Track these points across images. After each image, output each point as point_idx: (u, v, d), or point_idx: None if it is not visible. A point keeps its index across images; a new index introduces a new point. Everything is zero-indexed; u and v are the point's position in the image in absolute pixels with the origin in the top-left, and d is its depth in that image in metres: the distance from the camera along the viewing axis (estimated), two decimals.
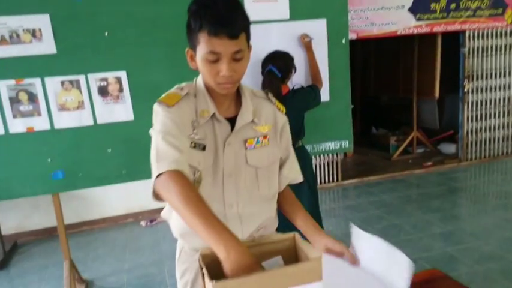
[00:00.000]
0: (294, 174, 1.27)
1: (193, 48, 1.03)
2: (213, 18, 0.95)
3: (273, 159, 1.19)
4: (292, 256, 0.91)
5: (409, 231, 3.33)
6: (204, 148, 1.08)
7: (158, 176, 0.92)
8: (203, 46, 0.98)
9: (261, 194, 1.17)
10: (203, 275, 0.80)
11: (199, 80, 1.12)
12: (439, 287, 1.24)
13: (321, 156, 4.56)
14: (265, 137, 1.15)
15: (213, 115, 1.09)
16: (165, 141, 0.97)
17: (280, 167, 1.23)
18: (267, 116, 1.18)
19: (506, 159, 5.14)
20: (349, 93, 2.65)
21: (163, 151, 0.96)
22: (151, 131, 1.04)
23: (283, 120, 1.22)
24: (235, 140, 1.11)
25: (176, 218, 1.18)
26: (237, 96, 1.16)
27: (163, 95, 1.09)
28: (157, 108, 1.06)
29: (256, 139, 1.14)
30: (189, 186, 0.90)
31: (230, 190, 1.13)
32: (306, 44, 2.48)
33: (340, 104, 2.64)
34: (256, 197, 1.16)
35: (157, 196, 0.95)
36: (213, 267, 0.78)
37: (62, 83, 2.18)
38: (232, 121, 1.12)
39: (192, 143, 1.06)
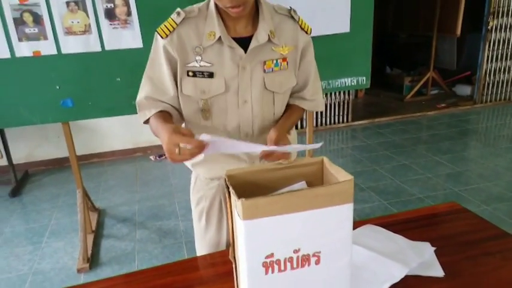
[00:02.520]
0: (316, 103, 1.21)
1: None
2: None
3: (290, 85, 1.13)
4: (319, 180, 0.88)
5: (418, 171, 3.33)
6: (211, 75, 1.03)
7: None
8: None
9: (276, 119, 1.13)
10: (229, 194, 0.76)
11: (212, 2, 1.04)
12: (458, 219, 1.22)
13: (332, 95, 4.45)
14: (284, 59, 1.08)
15: (220, 38, 1.01)
16: (144, 89, 1.07)
17: (300, 90, 1.17)
18: (287, 36, 1.09)
19: None
20: (371, 25, 2.49)
21: (141, 102, 1.08)
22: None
23: (305, 40, 1.12)
24: (250, 62, 1.04)
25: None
26: (257, 13, 1.06)
27: (164, 22, 1.04)
28: (155, 37, 1.06)
29: (275, 61, 1.06)
30: (158, 120, 1.02)
31: (246, 118, 1.08)
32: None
33: (360, 36, 2.49)
34: (271, 124, 1.12)
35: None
36: (239, 190, 0.75)
37: (68, 3, 2.05)
38: (248, 41, 1.04)
39: (188, 72, 1.02)
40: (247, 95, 1.06)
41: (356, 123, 4.64)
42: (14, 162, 3.37)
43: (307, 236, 0.74)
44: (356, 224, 1.12)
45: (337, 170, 0.81)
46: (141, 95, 1.09)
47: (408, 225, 1.16)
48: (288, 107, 1.18)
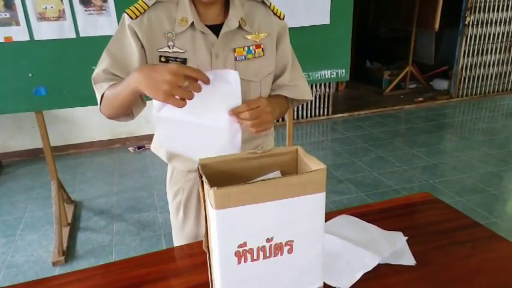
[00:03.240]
0: (298, 89, 1.16)
1: None
2: None
3: (267, 72, 1.10)
4: (293, 170, 0.88)
5: (395, 163, 3.39)
6: (184, 62, 1.00)
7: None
8: None
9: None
10: (202, 183, 0.76)
11: None
12: (431, 209, 1.25)
13: (313, 88, 4.47)
14: (258, 46, 1.05)
15: (193, 24, 0.99)
16: (103, 64, 1.02)
17: (278, 77, 1.14)
18: (260, 22, 1.07)
19: (497, 96, 5.15)
20: (350, 17, 2.50)
21: (98, 75, 1.02)
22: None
23: (280, 25, 1.10)
24: (222, 50, 1.02)
25: (165, 145, 1.14)
26: (228, 1, 1.05)
27: (135, 4, 1.00)
28: (122, 18, 1.01)
29: (246, 49, 1.04)
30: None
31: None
32: None
33: (340, 28, 2.50)
34: None
35: (106, 115, 1.05)
36: (213, 180, 0.74)
37: None
38: (220, 28, 1.02)
39: (161, 57, 1.00)
40: None
41: (336, 116, 4.68)
42: None
43: (280, 225, 0.74)
44: (332, 214, 1.13)
45: (310, 159, 0.81)
46: (98, 69, 1.02)
47: (382, 215, 1.17)
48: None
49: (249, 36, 1.05)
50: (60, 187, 2.56)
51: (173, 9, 1.00)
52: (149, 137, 1.25)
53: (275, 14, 1.10)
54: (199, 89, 0.84)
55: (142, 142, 3.87)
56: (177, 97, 0.83)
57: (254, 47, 1.05)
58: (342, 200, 2.82)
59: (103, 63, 1.02)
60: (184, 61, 1.00)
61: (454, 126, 4.40)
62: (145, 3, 1.00)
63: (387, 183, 3.05)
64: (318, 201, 0.75)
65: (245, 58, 1.04)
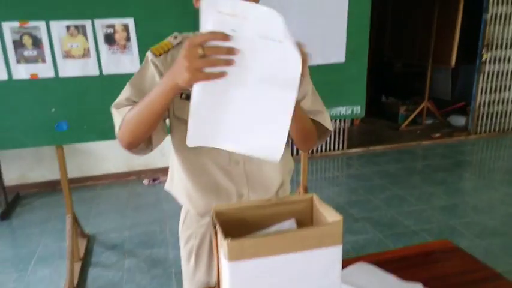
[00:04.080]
0: (321, 116, 1.10)
1: None
2: None
3: None
4: (308, 218, 0.86)
5: (412, 202, 3.31)
6: None
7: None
8: None
9: None
10: (216, 233, 0.75)
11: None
12: (451, 258, 1.20)
13: None
14: None
15: None
16: (125, 93, 1.00)
17: (298, 102, 1.04)
18: None
19: None
20: (366, 55, 2.52)
21: (120, 102, 0.99)
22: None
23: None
24: None
25: (179, 183, 1.13)
26: None
27: (160, 43, 1.04)
28: (146, 56, 1.03)
29: None
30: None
31: None
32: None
33: (355, 66, 2.52)
34: None
35: (124, 142, 0.97)
36: (226, 226, 0.73)
37: (68, 28, 2.07)
38: None
39: (182, 94, 1.00)
40: None
41: (351, 150, 4.64)
42: (6, 183, 3.32)
43: (295, 279, 0.72)
44: (348, 261, 1.09)
45: (326, 208, 0.79)
46: (120, 98, 1.00)
47: (400, 264, 1.13)
48: None
49: None
50: (75, 221, 2.57)
51: None
52: (163, 170, 1.25)
53: None
54: (222, 51, 0.71)
55: (157, 175, 3.89)
56: (208, 70, 0.72)
57: None
58: (358, 240, 2.74)
59: (125, 93, 1.02)
60: None
61: (472, 164, 4.30)
62: (170, 43, 1.03)
63: (405, 223, 2.97)
64: (334, 254, 0.73)
65: None
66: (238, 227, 0.79)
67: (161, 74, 1.00)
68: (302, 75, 0.79)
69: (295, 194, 2.86)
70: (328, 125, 1.12)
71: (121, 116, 0.97)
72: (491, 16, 4.50)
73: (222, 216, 0.78)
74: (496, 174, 3.96)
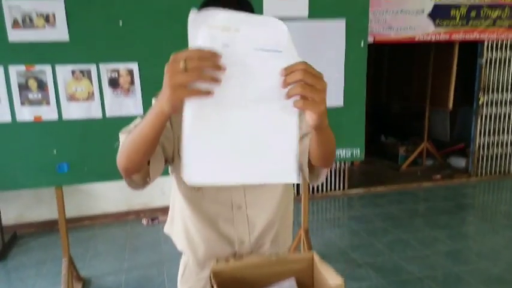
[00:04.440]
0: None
1: None
2: (223, 6, 0.93)
3: None
4: (309, 277, 0.84)
5: (416, 247, 3.25)
6: None
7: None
8: None
9: (270, 188, 1.09)
10: None
11: None
12: None
13: None
14: None
15: None
16: (133, 123, 0.97)
17: (304, 136, 1.01)
18: None
19: None
20: (363, 99, 2.57)
21: (128, 128, 0.95)
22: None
23: None
24: None
25: (179, 227, 1.12)
26: None
27: None
28: (153, 102, 1.01)
29: None
30: None
31: (238, 190, 1.06)
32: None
33: (354, 110, 2.56)
34: (265, 193, 1.08)
35: (121, 166, 0.90)
36: (225, 286, 0.72)
37: (73, 72, 2.12)
38: None
39: None
40: None
41: (352, 191, 4.61)
42: (3, 223, 3.28)
43: None
44: None
45: (326, 269, 0.78)
46: (129, 126, 0.97)
47: None
48: None
49: None
50: (71, 264, 2.51)
51: None
52: (163, 209, 1.23)
53: None
54: (197, 75, 0.63)
55: (156, 214, 3.84)
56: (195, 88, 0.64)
57: None
58: (362, 287, 2.66)
59: (135, 122, 1.00)
60: None
61: (475, 207, 4.26)
62: None
63: (409, 269, 2.89)
64: None
65: None
66: (237, 286, 0.77)
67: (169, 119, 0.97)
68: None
69: (296, 236, 2.80)
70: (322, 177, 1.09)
71: (124, 135, 0.93)
72: (486, 61, 4.62)
73: (221, 276, 0.77)
74: (499, 218, 3.91)
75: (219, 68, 0.63)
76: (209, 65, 0.63)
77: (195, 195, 1.06)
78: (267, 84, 0.66)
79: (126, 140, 0.86)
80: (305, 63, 0.67)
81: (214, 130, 0.67)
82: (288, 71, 0.66)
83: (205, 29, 0.63)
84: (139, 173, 0.92)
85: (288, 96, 0.66)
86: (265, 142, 0.69)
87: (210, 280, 0.74)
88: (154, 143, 0.83)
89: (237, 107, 0.67)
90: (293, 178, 0.71)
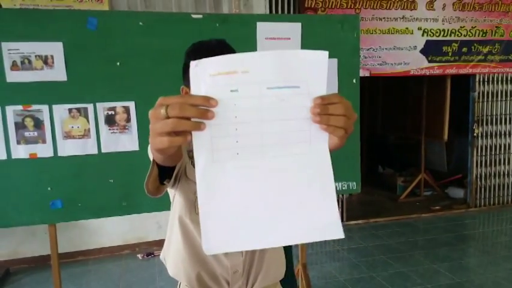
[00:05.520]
0: None
1: (188, 85, 1.05)
2: (208, 54, 0.97)
3: None
4: None
5: (417, 280, 3.19)
6: None
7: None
8: None
9: None
10: None
11: None
12: None
13: None
14: None
15: None
16: None
17: None
18: None
19: None
20: (358, 133, 2.60)
21: None
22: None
23: None
24: None
25: (173, 259, 1.12)
26: None
27: None
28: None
29: None
30: None
31: None
32: None
33: (349, 144, 2.56)
34: None
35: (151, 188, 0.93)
36: None
37: (70, 110, 2.15)
38: None
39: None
40: None
41: (351, 222, 4.57)
42: None
43: None
44: None
45: None
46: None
47: None
48: None
49: None
50: None
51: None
52: (159, 243, 1.23)
53: None
54: (191, 112, 0.58)
55: (151, 248, 3.79)
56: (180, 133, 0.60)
57: None
58: None
59: None
60: None
61: (475, 238, 4.21)
62: None
63: None
64: None
65: None
66: None
67: None
68: None
69: (295, 268, 2.75)
70: None
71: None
72: (479, 94, 4.71)
73: None
74: (499, 249, 3.86)
75: (206, 115, 0.57)
76: (193, 112, 0.57)
77: (195, 218, 1.06)
78: (290, 125, 0.58)
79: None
80: (338, 96, 0.64)
81: (234, 187, 0.58)
82: (325, 102, 0.61)
83: (208, 78, 0.57)
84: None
85: (328, 130, 0.60)
86: (296, 194, 0.59)
87: None
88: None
89: (257, 156, 0.58)
90: (338, 233, 0.60)
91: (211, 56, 0.69)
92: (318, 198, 0.59)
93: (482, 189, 4.93)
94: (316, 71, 0.59)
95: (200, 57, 0.95)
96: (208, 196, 0.58)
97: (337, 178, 2.79)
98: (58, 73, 2.13)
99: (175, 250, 1.12)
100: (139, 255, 3.72)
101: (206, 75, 0.57)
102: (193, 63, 0.59)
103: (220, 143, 0.57)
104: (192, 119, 0.57)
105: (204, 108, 0.57)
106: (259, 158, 0.57)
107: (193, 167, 1.00)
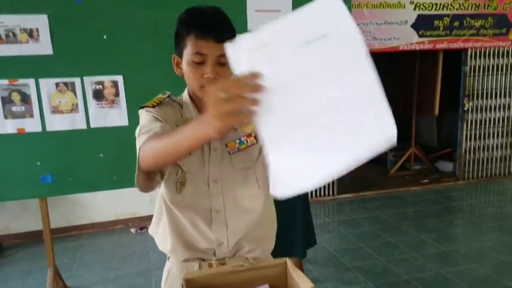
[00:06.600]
0: None
1: (180, 54, 1.05)
2: (201, 23, 0.99)
3: (261, 156, 1.11)
4: (283, 283, 0.86)
5: (404, 250, 3.28)
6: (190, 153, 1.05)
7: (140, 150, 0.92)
8: (190, 49, 1.01)
9: (250, 194, 1.12)
10: None
11: (185, 93, 1.13)
12: None
13: None
14: (249, 135, 1.11)
15: None
16: (147, 123, 0.99)
17: None
18: None
19: (504, 180, 5.11)
20: None
21: (145, 126, 0.97)
22: (136, 132, 1.02)
23: None
24: (219, 145, 1.09)
25: (162, 230, 1.14)
26: None
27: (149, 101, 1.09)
28: (140, 112, 1.07)
29: (237, 141, 1.10)
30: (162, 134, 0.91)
31: (216, 195, 1.09)
32: None
33: None
34: (245, 199, 1.11)
35: (142, 182, 0.96)
36: None
37: (57, 84, 2.13)
38: None
39: None
40: (216, 175, 1.08)
41: (341, 196, 4.64)
42: None
43: None
44: None
45: (299, 275, 0.80)
46: (142, 130, 0.99)
47: None
48: None
49: (239, 129, 1.10)
50: (56, 274, 2.50)
51: (179, 109, 1.10)
52: (151, 218, 1.25)
53: None
54: (246, 89, 0.63)
55: (144, 223, 3.83)
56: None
57: (245, 137, 1.10)
58: None
59: (150, 126, 0.98)
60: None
61: (462, 210, 4.31)
62: (160, 97, 1.10)
63: (397, 272, 2.92)
64: None
65: (238, 150, 1.09)
66: None
67: (159, 120, 1.02)
68: None
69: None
70: None
71: (143, 138, 0.94)
72: (470, 68, 4.71)
73: (194, 284, 0.78)
74: (485, 220, 3.96)
75: (258, 89, 0.62)
76: (248, 89, 0.63)
77: (176, 197, 1.09)
78: (332, 70, 0.62)
79: (155, 145, 0.88)
80: None
81: (294, 134, 0.64)
82: None
83: (243, 55, 0.62)
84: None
85: None
86: (350, 115, 0.65)
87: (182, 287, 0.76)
88: (186, 155, 0.92)
89: (312, 104, 0.63)
90: (393, 131, 0.66)
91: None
92: (373, 117, 0.66)
93: (471, 162, 5.01)
94: (336, 13, 0.63)
95: (194, 24, 1.00)
96: (273, 148, 0.64)
97: None
98: (44, 47, 2.10)
99: (162, 228, 1.14)
100: (132, 230, 3.77)
101: (242, 52, 0.62)
102: (227, 46, 0.63)
103: (276, 106, 0.62)
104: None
105: (256, 83, 0.62)
106: (312, 103, 0.63)
107: None
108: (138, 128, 1.04)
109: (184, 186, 1.07)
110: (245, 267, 0.84)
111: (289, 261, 0.85)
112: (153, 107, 1.05)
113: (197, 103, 1.10)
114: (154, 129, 0.95)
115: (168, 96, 1.12)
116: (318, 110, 0.63)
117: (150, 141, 0.91)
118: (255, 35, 0.62)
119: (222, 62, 1.00)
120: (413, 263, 3.05)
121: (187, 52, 1.01)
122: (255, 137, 1.11)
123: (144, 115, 1.05)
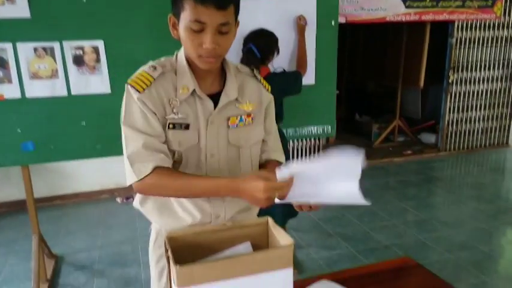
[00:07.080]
0: (277, 152, 1.23)
1: (177, 15, 0.97)
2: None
3: (256, 139, 1.15)
4: (264, 241, 0.88)
5: (384, 217, 3.37)
6: (187, 127, 1.03)
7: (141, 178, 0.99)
8: (188, 14, 0.93)
9: (244, 171, 1.13)
10: (168, 258, 0.75)
11: (181, 54, 1.06)
12: (411, 275, 1.24)
13: (304, 140, 4.54)
14: (249, 115, 1.10)
15: (194, 91, 1.03)
16: (137, 140, 0.99)
17: (262, 143, 1.19)
18: (251, 94, 1.13)
19: (484, 151, 5.24)
20: (335, 77, 2.61)
21: (137, 154, 0.99)
22: (122, 116, 1.01)
23: (268, 98, 1.17)
24: (218, 118, 1.06)
25: (154, 203, 1.12)
26: (221, 71, 1.10)
27: (136, 74, 1.03)
28: (127, 89, 1.01)
29: (239, 117, 1.09)
30: (178, 174, 1.02)
31: (213, 170, 1.09)
32: (300, 27, 2.41)
33: (325, 88, 2.59)
34: (239, 174, 1.12)
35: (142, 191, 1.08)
36: (181, 252, 0.74)
37: (35, 49, 2.06)
38: (215, 98, 1.06)
39: (169, 124, 1.01)
40: (214, 149, 1.07)
41: None
42: None
43: None
44: (311, 280, 1.11)
45: (279, 232, 0.82)
46: (135, 147, 0.99)
47: (362, 281, 1.16)
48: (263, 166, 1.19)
49: (240, 106, 1.09)
50: (42, 241, 2.50)
51: (174, 77, 1.03)
52: None
53: (264, 87, 1.16)
54: (287, 188, 0.96)
55: (130, 193, 3.83)
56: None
57: (245, 116, 1.10)
58: (332, 255, 2.77)
59: (137, 140, 0.99)
60: (187, 126, 1.02)
61: (443, 180, 4.43)
62: (149, 75, 1.01)
63: (377, 238, 3.02)
64: (285, 276, 0.75)
65: (237, 126, 1.09)
66: (193, 252, 0.80)
67: (150, 109, 0.99)
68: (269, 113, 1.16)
69: None
70: (283, 161, 1.22)
71: (144, 171, 0.98)
72: (457, 40, 4.72)
73: (176, 242, 0.79)
74: (464, 189, 4.09)
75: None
76: (288, 187, 0.94)
77: (176, 168, 1.07)
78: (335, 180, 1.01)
79: (167, 189, 1.01)
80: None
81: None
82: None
83: (287, 173, 0.97)
84: None
85: None
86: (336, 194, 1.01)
87: (165, 245, 0.77)
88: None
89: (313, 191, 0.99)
90: (362, 201, 1.04)
91: None
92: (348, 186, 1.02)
93: (453, 134, 5.11)
94: (355, 165, 1.04)
95: None
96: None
97: (312, 122, 2.83)
98: (21, 9, 2.01)
99: (154, 201, 1.12)
100: (118, 199, 3.78)
101: (286, 174, 0.95)
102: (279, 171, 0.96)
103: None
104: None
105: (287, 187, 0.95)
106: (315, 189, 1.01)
107: (168, 128, 1.02)
108: (124, 112, 1.01)
109: (181, 164, 1.06)
110: (228, 226, 0.85)
111: (270, 220, 0.87)
112: (143, 90, 0.99)
113: (194, 69, 1.04)
114: (150, 154, 0.99)
115: (161, 72, 1.03)
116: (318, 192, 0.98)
117: (158, 178, 0.99)
118: (293, 167, 0.95)
119: (222, 31, 0.95)
120: (394, 230, 3.15)
121: (185, 17, 0.94)
122: (252, 119, 1.12)
123: (131, 101, 1.00)
